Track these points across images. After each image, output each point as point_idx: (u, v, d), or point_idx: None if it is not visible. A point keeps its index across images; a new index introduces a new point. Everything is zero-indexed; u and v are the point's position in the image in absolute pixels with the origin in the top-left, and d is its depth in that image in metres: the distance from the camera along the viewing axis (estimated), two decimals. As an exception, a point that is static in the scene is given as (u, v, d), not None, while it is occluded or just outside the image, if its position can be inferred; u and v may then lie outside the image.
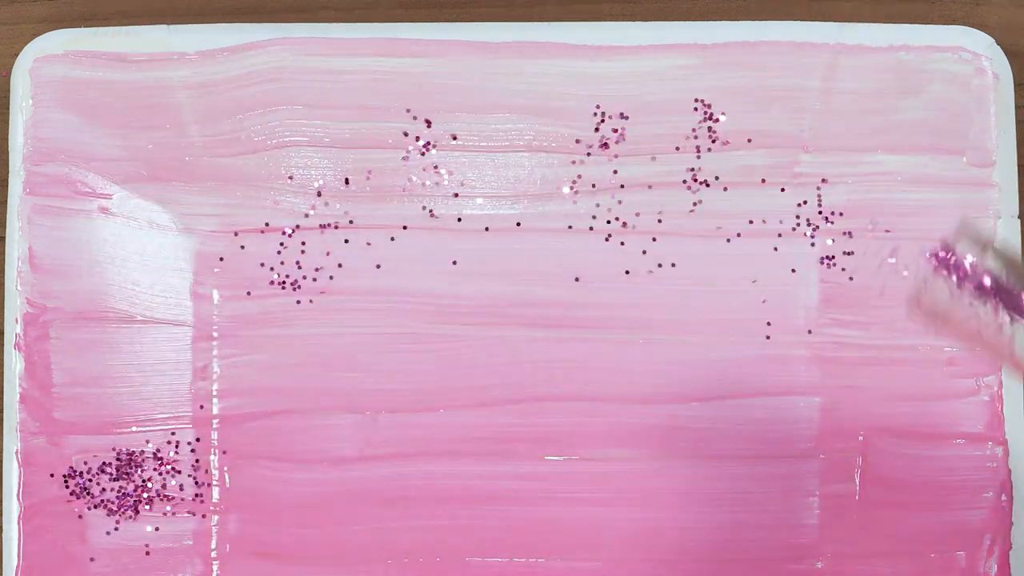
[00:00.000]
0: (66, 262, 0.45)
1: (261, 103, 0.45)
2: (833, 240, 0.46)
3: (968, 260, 0.28)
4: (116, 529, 0.45)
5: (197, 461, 0.45)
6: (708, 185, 0.45)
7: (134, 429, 0.45)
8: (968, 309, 0.27)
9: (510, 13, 0.48)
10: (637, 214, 0.46)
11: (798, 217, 0.46)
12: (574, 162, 0.46)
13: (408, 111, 0.45)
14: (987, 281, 0.28)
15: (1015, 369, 0.28)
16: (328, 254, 0.46)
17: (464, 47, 0.45)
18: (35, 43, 0.45)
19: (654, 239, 0.46)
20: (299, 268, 0.46)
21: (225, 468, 0.45)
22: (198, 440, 0.45)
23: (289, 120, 0.45)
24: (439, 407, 0.45)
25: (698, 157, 0.45)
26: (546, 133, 0.45)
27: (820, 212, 0.45)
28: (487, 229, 0.46)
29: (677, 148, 0.45)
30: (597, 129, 0.45)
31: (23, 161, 0.45)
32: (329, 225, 0.46)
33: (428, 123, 0.45)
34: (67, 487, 0.45)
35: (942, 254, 0.28)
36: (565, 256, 0.46)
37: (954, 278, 0.28)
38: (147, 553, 0.45)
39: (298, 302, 0.45)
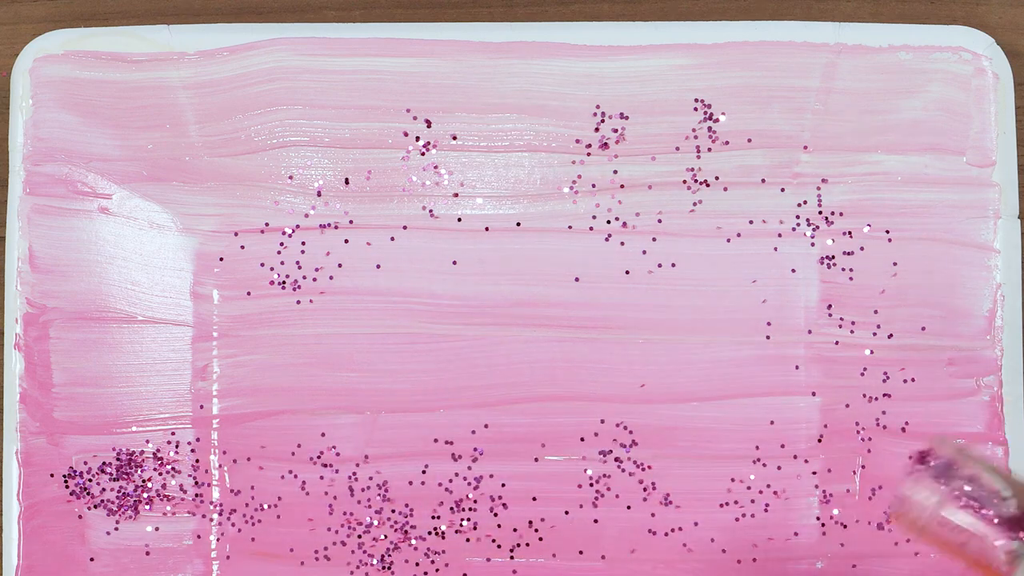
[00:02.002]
0: (66, 262, 0.45)
1: (261, 103, 0.45)
2: (833, 240, 0.46)
3: (954, 467, 0.28)
4: (116, 529, 0.45)
5: (197, 461, 0.45)
6: (708, 185, 0.45)
7: (134, 429, 0.45)
8: (952, 520, 0.28)
9: (510, 13, 0.48)
10: (637, 214, 0.46)
11: (798, 217, 0.46)
12: (574, 162, 0.46)
13: (408, 111, 0.45)
14: (971, 492, 0.28)
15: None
16: (328, 254, 0.46)
17: (464, 47, 0.45)
18: (35, 43, 0.45)
19: (654, 239, 0.46)
20: (299, 268, 0.46)
21: (225, 468, 0.45)
22: (198, 440, 0.45)
23: (289, 120, 0.45)
24: (439, 407, 0.45)
25: (698, 157, 0.45)
26: (546, 133, 0.45)
27: (820, 212, 0.45)
28: (487, 229, 0.46)
29: (677, 148, 0.45)
30: (597, 129, 0.45)
31: (23, 161, 0.45)
32: (329, 225, 0.46)
33: (428, 123, 0.45)
34: (67, 487, 0.45)
35: (926, 460, 0.28)
36: (565, 256, 0.46)
37: (940, 485, 0.28)
38: (147, 553, 0.45)
39: (298, 302, 0.45)
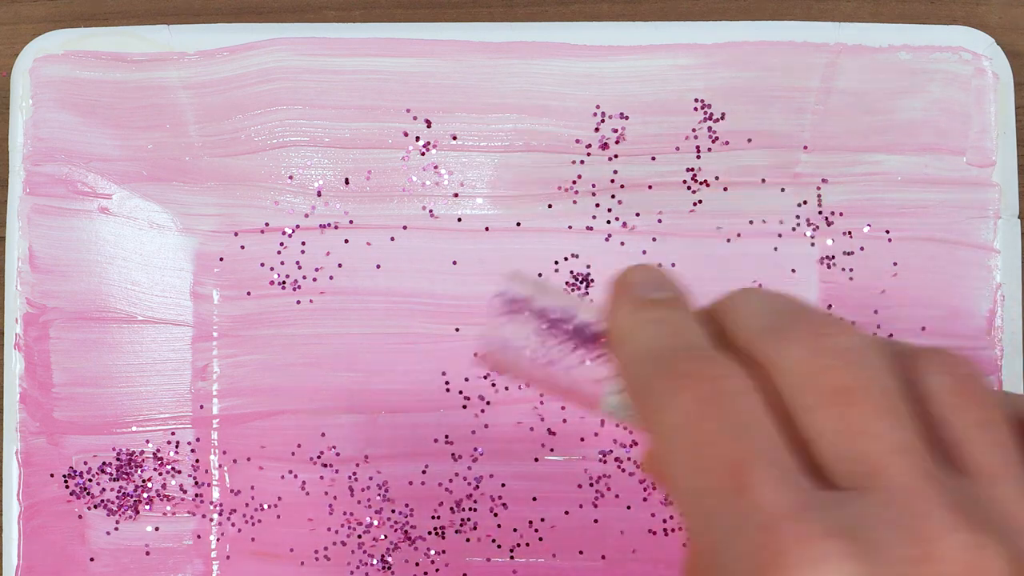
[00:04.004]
0: (66, 262, 0.45)
1: (261, 103, 0.45)
2: (833, 240, 0.46)
3: (526, 299, 0.28)
4: (116, 529, 0.45)
5: (197, 461, 0.45)
6: (708, 185, 0.45)
7: (134, 429, 0.45)
8: (533, 351, 0.27)
9: (510, 13, 0.48)
10: (637, 214, 0.46)
11: (798, 217, 0.46)
12: (574, 162, 0.46)
13: (408, 111, 0.45)
14: (547, 317, 0.28)
15: (585, 406, 0.28)
16: (328, 254, 0.46)
17: (464, 47, 0.45)
18: (35, 43, 0.45)
19: (654, 239, 0.46)
20: (299, 268, 0.46)
21: (225, 468, 0.45)
22: (198, 440, 0.45)
23: (289, 120, 0.45)
24: (439, 407, 0.45)
25: (698, 157, 0.45)
26: (546, 133, 0.45)
27: (820, 212, 0.46)
28: (487, 229, 0.46)
29: (677, 148, 0.45)
30: (597, 129, 0.45)
31: (23, 161, 0.45)
32: (329, 225, 0.46)
33: (428, 123, 0.45)
34: (67, 487, 0.45)
35: (502, 298, 0.28)
36: (565, 256, 0.46)
37: (515, 319, 0.27)
38: (147, 553, 0.45)
39: (298, 302, 0.46)
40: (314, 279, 0.46)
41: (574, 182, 0.46)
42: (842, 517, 0.21)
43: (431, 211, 0.46)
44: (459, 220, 0.46)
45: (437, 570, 0.45)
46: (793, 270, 0.46)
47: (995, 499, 0.23)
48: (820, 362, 0.23)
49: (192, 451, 0.45)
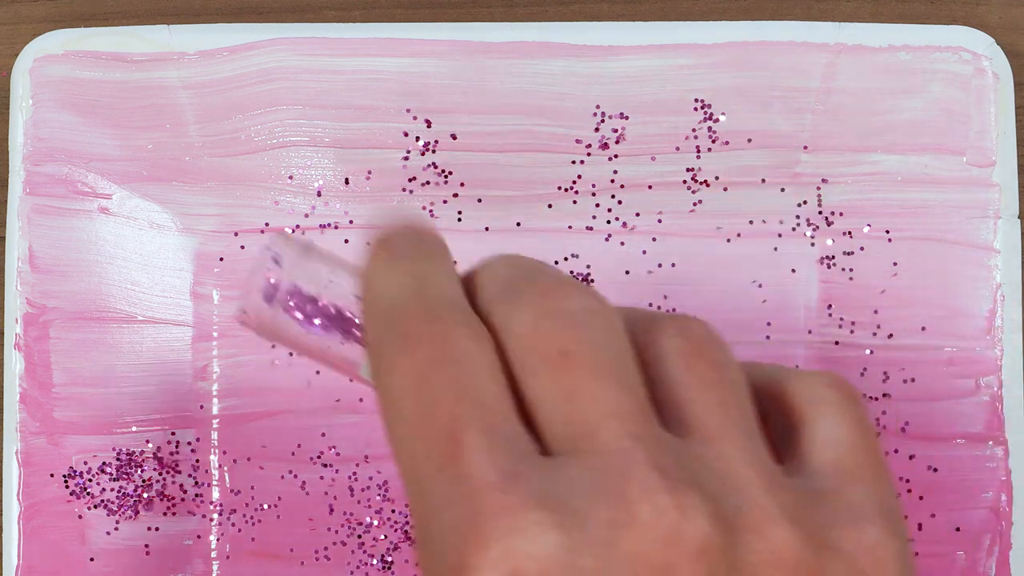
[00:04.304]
0: (66, 262, 0.45)
1: (261, 103, 0.45)
2: (833, 240, 0.46)
3: (289, 266, 0.27)
4: (116, 529, 0.45)
5: (197, 461, 0.45)
6: (708, 185, 0.45)
7: (134, 429, 0.45)
8: (300, 320, 0.27)
9: (510, 13, 0.48)
10: (637, 214, 0.46)
11: (798, 217, 0.46)
12: (574, 162, 0.46)
13: (408, 111, 0.45)
14: (303, 291, 0.27)
15: (346, 373, 0.27)
16: (328, 254, 0.46)
17: (464, 47, 0.45)
18: (35, 43, 0.45)
19: (654, 239, 0.46)
20: (299, 268, 0.46)
21: (225, 468, 0.45)
22: (198, 440, 0.45)
23: (289, 120, 0.45)
24: (439, 407, 0.45)
25: (698, 157, 0.45)
26: (546, 133, 0.45)
27: (820, 212, 0.46)
28: (487, 229, 0.46)
29: (677, 148, 0.45)
30: (597, 129, 0.45)
31: (23, 161, 0.45)
32: (329, 225, 0.46)
33: (428, 123, 0.45)
34: (67, 487, 0.45)
35: (264, 263, 0.27)
36: (565, 256, 0.46)
37: (276, 287, 0.27)
38: (147, 553, 0.45)
39: (298, 302, 0.45)
40: (314, 279, 0.46)
41: (574, 182, 0.46)
42: (549, 485, 0.21)
43: (431, 211, 0.46)
44: (459, 220, 0.46)
45: None
46: (793, 270, 0.46)
47: (711, 459, 0.22)
48: (543, 325, 0.23)
49: (192, 451, 0.45)
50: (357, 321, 0.26)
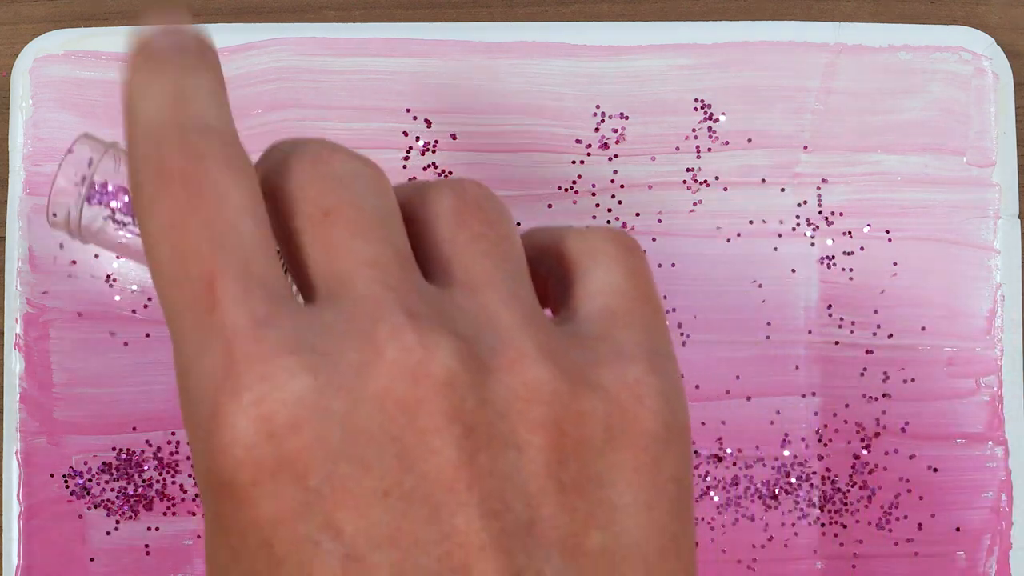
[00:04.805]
0: (66, 262, 0.45)
1: (261, 103, 0.45)
2: (833, 240, 0.46)
3: (91, 165, 0.27)
4: (116, 529, 0.45)
5: (197, 461, 0.45)
6: (708, 185, 0.45)
7: (134, 429, 0.45)
8: (95, 218, 0.27)
9: (510, 13, 0.48)
10: (637, 214, 0.46)
11: (798, 217, 0.46)
12: (574, 162, 0.46)
13: (408, 111, 0.45)
14: (103, 186, 0.27)
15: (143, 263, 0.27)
16: (328, 254, 0.46)
17: (464, 47, 0.45)
18: (35, 43, 0.45)
19: (654, 239, 0.46)
20: (299, 268, 0.45)
21: (225, 468, 0.45)
22: (198, 440, 0.45)
23: (289, 120, 0.45)
24: (439, 407, 0.45)
25: (698, 157, 0.45)
26: (546, 133, 0.45)
27: (820, 212, 0.46)
28: (487, 229, 0.46)
29: (677, 148, 0.45)
30: (597, 129, 0.45)
31: (23, 161, 0.45)
32: (329, 225, 0.46)
33: (428, 123, 0.45)
34: (67, 487, 0.45)
35: (69, 162, 0.27)
36: (565, 256, 0.46)
37: (78, 187, 0.27)
38: (147, 553, 0.45)
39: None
40: (314, 279, 0.46)
41: (574, 182, 0.46)
42: (302, 330, 0.21)
43: (431, 211, 0.46)
44: (459, 220, 0.46)
45: None
46: (793, 270, 0.46)
47: (471, 307, 0.23)
48: (309, 188, 0.23)
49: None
50: None
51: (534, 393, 0.22)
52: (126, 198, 0.26)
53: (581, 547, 0.22)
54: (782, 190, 0.46)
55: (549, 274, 0.26)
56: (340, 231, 0.23)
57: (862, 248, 0.45)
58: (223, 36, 0.45)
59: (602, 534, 0.22)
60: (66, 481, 0.45)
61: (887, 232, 0.45)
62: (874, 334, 0.45)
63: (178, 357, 0.22)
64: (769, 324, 0.45)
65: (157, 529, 0.45)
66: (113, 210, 0.26)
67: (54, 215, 0.26)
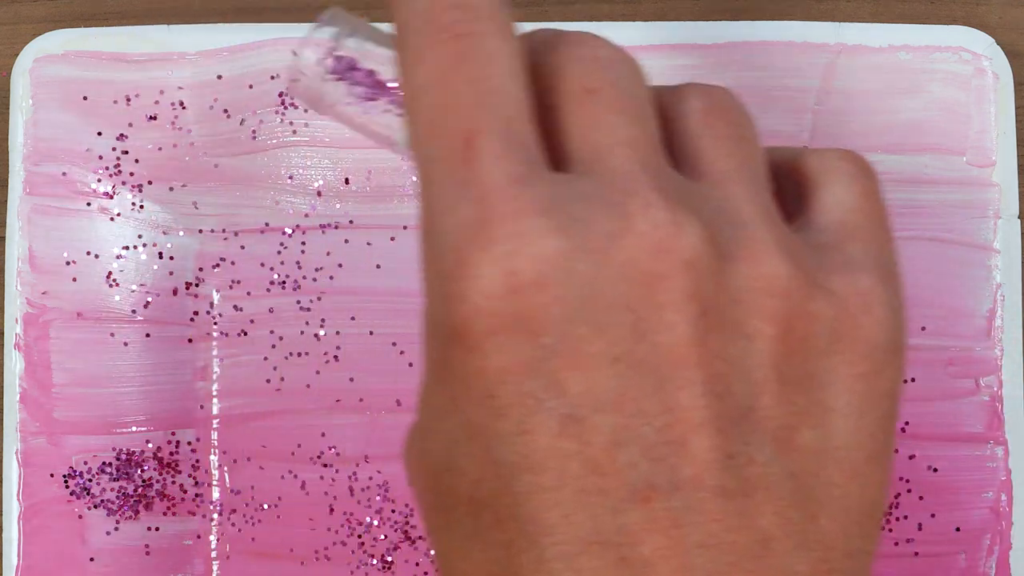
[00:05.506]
0: (66, 262, 0.45)
1: (261, 103, 0.45)
2: (833, 240, 0.45)
3: (341, 39, 0.27)
4: (116, 529, 0.45)
5: (197, 461, 0.45)
6: (708, 185, 0.45)
7: (134, 429, 0.45)
8: (339, 90, 0.27)
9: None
10: (637, 214, 0.45)
11: (798, 217, 0.46)
12: (574, 162, 0.45)
13: (408, 111, 0.45)
14: (355, 64, 0.27)
15: (385, 146, 0.28)
16: (328, 254, 0.46)
17: (464, 47, 0.45)
18: (35, 43, 0.45)
19: (654, 239, 0.46)
20: (299, 268, 0.46)
21: (225, 468, 0.45)
22: (198, 440, 0.45)
23: (289, 120, 0.45)
24: (439, 407, 0.45)
25: (698, 157, 0.45)
26: (546, 133, 0.45)
27: (820, 212, 0.45)
28: (487, 229, 0.46)
29: (677, 148, 0.45)
30: (597, 129, 0.45)
31: (23, 161, 0.45)
32: (329, 225, 0.46)
33: (428, 123, 0.45)
34: (67, 487, 0.45)
35: (317, 32, 0.27)
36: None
37: (326, 59, 0.27)
38: (147, 553, 0.45)
39: (298, 302, 0.45)
40: (314, 279, 0.46)
41: (574, 182, 0.46)
42: (556, 194, 0.22)
43: (431, 211, 0.46)
44: (459, 220, 0.46)
45: (437, 570, 0.45)
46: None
47: (717, 198, 0.23)
48: (573, 67, 0.24)
49: (192, 451, 0.45)
50: (398, 92, 0.26)
51: (770, 286, 0.22)
52: (361, 70, 0.27)
53: (792, 441, 0.22)
54: (782, 190, 0.46)
55: (783, 188, 0.27)
56: (601, 109, 0.23)
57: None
58: (223, 36, 0.45)
59: (813, 433, 0.23)
60: (66, 481, 0.45)
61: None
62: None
63: (426, 205, 0.23)
64: (769, 324, 0.45)
65: (157, 529, 0.45)
66: (355, 86, 0.27)
67: (294, 80, 0.27)
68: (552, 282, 0.21)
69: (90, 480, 0.45)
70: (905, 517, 0.45)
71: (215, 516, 0.45)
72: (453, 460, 0.23)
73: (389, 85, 0.27)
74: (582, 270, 0.21)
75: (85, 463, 0.45)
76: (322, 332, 0.46)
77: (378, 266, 0.46)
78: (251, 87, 0.45)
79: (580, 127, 0.23)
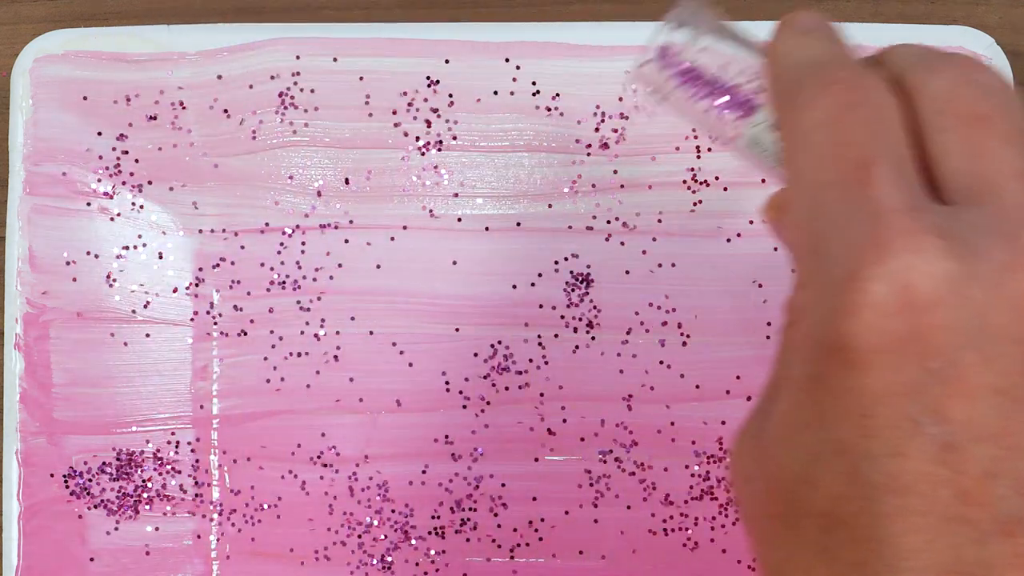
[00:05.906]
0: (66, 262, 0.45)
1: (261, 103, 0.45)
2: (833, 240, 0.45)
3: (693, 37, 0.28)
4: (116, 529, 0.45)
5: (197, 461, 0.45)
6: (708, 185, 0.46)
7: (134, 429, 0.45)
8: (687, 91, 0.28)
9: (510, 13, 0.48)
10: (637, 214, 0.46)
11: (798, 217, 0.46)
12: (574, 162, 0.46)
13: (408, 111, 0.45)
14: (704, 70, 0.28)
15: (721, 140, 0.28)
16: (328, 254, 0.46)
17: (464, 47, 0.45)
18: (35, 43, 0.45)
19: (654, 239, 0.46)
20: (299, 268, 0.46)
21: (225, 468, 0.45)
22: (198, 440, 0.45)
23: (289, 120, 0.45)
24: (439, 407, 0.45)
25: (698, 157, 0.45)
26: (546, 133, 0.45)
27: (820, 212, 0.45)
28: (487, 229, 0.46)
29: (677, 148, 0.45)
30: (597, 129, 0.45)
31: (23, 161, 0.45)
32: (329, 225, 0.46)
33: (428, 123, 0.45)
34: (67, 487, 0.45)
35: (669, 25, 0.28)
36: (565, 256, 0.46)
37: (675, 55, 0.28)
38: (147, 553, 0.45)
39: (298, 302, 0.46)
40: (314, 279, 0.46)
41: (574, 182, 0.46)
42: (948, 222, 0.22)
43: (431, 211, 0.46)
44: (459, 220, 0.46)
45: (437, 570, 0.45)
46: (793, 270, 0.45)
47: None
48: (963, 91, 0.24)
49: (192, 451, 0.45)
50: (751, 94, 0.27)
51: None
52: (708, 70, 0.28)
53: None
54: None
55: None
56: (991, 137, 0.23)
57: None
58: (223, 36, 0.45)
59: None
60: (66, 481, 0.45)
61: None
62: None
63: (812, 226, 0.24)
64: (770, 324, 0.45)
65: (157, 529, 0.45)
66: (690, 77, 0.28)
67: (640, 69, 0.28)
68: (946, 304, 0.21)
69: (90, 480, 0.45)
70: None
71: (215, 516, 0.45)
72: (812, 474, 0.23)
73: (737, 87, 0.28)
74: (975, 297, 0.21)
75: (85, 463, 0.45)
76: (322, 332, 0.46)
77: (378, 266, 0.46)
78: (251, 87, 0.45)
79: (967, 155, 0.23)
